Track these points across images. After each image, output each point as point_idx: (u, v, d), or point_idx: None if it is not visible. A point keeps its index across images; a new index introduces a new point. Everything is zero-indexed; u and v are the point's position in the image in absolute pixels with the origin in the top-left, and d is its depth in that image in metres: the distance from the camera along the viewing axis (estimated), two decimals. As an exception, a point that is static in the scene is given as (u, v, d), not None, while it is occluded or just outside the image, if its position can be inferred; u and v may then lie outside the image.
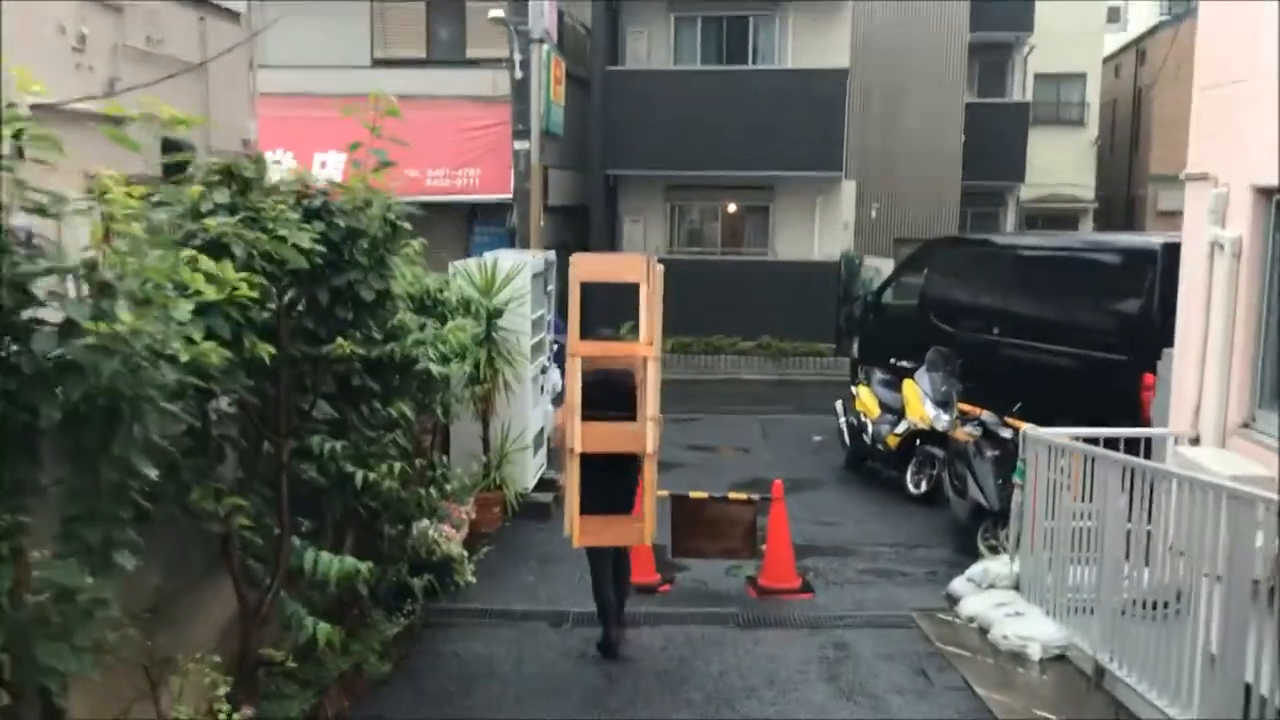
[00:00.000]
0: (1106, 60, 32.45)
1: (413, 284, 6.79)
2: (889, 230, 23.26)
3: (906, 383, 11.05)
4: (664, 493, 8.32)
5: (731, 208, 21.14)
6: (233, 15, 15.22)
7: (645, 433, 6.30)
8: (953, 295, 12.67)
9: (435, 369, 6.13)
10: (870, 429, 11.42)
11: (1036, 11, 25.67)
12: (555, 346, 18.22)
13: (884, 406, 11.47)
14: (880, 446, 11.22)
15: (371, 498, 5.88)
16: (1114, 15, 33.87)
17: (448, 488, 6.98)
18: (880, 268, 20.40)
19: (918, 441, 10.74)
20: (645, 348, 6.42)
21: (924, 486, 10.67)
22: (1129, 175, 32.83)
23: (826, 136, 19.36)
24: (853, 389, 12.23)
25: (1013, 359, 11.27)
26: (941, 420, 10.57)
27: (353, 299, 5.01)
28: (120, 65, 11.64)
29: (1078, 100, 30.82)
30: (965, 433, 9.47)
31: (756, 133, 19.37)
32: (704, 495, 8.27)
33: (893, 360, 12.10)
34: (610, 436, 6.34)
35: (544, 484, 10.65)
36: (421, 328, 5.98)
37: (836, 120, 19.42)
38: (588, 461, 6.30)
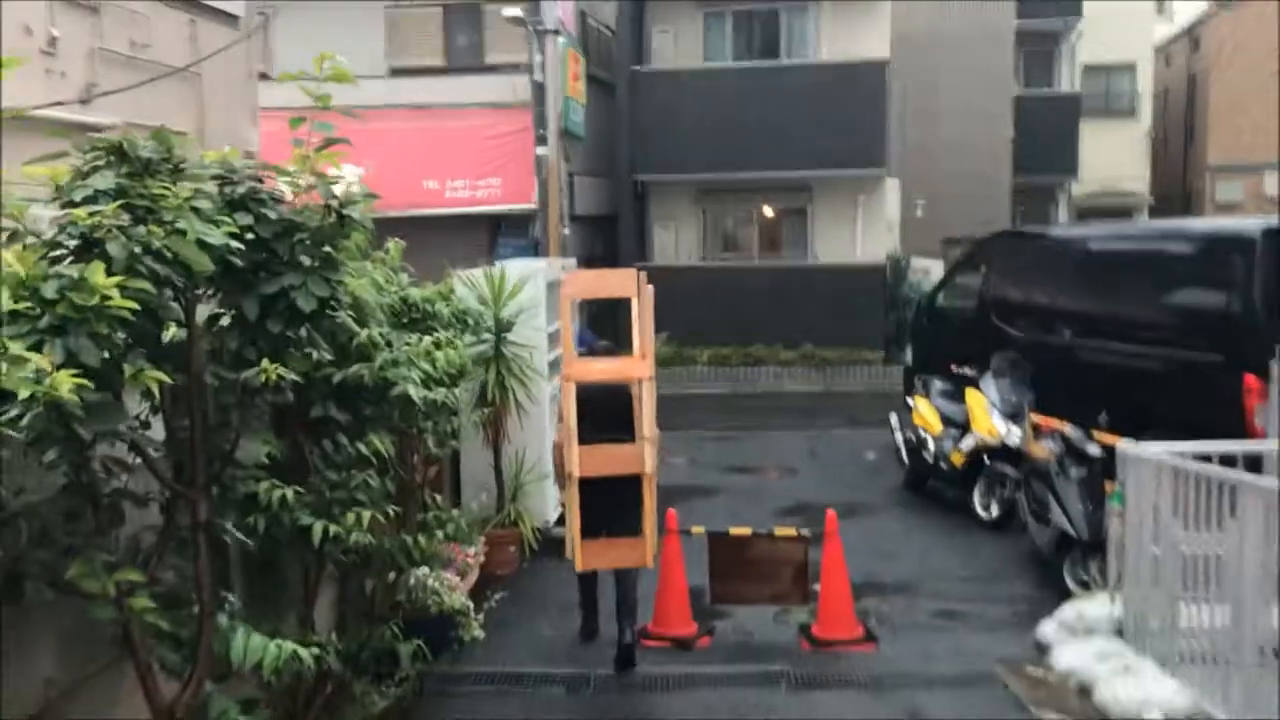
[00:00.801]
0: (1157, 49, 31.06)
1: (391, 291, 5.75)
2: (936, 230, 21.99)
3: (970, 393, 9.86)
4: (700, 530, 7.23)
5: (768, 211, 20.03)
6: (229, 18, 14.20)
7: (644, 454, 6.12)
8: (1016, 294, 11.45)
9: (416, 393, 5.07)
10: (931, 445, 10.24)
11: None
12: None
13: (946, 420, 10.28)
14: (943, 465, 10.04)
15: (343, 552, 4.83)
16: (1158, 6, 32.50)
17: (443, 532, 5.90)
18: (929, 269, 19.19)
19: (986, 459, 9.55)
20: (639, 367, 6.23)
21: (995, 510, 9.47)
22: (1184, 167, 31.40)
23: (867, 132, 18.22)
24: (909, 401, 11.05)
25: (1088, 363, 10.05)
26: (1013, 435, 9.38)
27: (289, 310, 3.95)
28: (99, 70, 10.75)
29: (1128, 90, 29.49)
30: (1044, 449, 8.27)
31: (792, 131, 18.28)
32: (746, 532, 7.14)
33: (953, 368, 10.91)
34: (608, 459, 6.17)
35: (564, 517, 9.56)
36: (389, 344, 4.91)
37: (878, 114, 18.26)
38: (591, 484, 6.14)
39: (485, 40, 18.65)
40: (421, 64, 18.88)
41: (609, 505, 6.23)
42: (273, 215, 3.93)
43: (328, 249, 4.13)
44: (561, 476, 6.51)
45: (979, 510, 9.60)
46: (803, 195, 19.40)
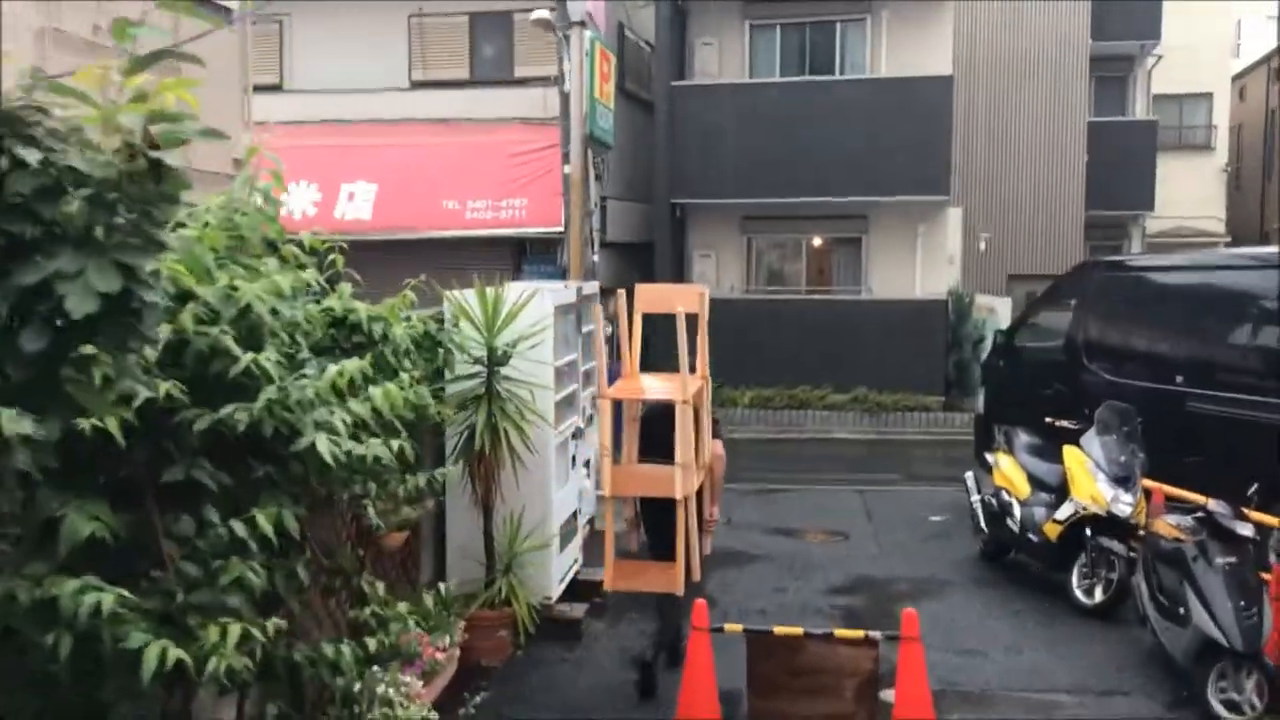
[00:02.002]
0: (1233, 80, 29.22)
1: (306, 305, 4.19)
2: (1000, 265, 20.27)
3: (1069, 451, 8.14)
4: (736, 628, 5.56)
5: (818, 240, 18.38)
6: (218, 8, 12.76)
7: (675, 477, 5.93)
8: (1115, 333, 9.75)
9: (327, 447, 3.51)
10: (1017, 512, 8.51)
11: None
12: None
13: (1035, 482, 8.57)
14: (1032, 537, 8.31)
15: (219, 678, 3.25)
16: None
17: (381, 639, 4.28)
18: (995, 307, 17.44)
19: (1088, 532, 7.81)
20: (677, 389, 6.07)
21: (1099, 595, 7.71)
22: (1261, 207, 29.42)
23: (929, 155, 16.55)
24: (988, 458, 9.33)
25: (1208, 418, 8.36)
26: (1122, 503, 7.66)
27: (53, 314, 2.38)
28: (50, 53, 9.37)
29: (1203, 123, 27.64)
30: (1174, 527, 6.54)
31: (847, 153, 16.69)
32: (797, 632, 5.45)
33: (1046, 420, 9.20)
34: (643, 481, 6.24)
35: (578, 589, 7.94)
36: (301, 374, 3.36)
37: (940, 136, 16.60)
38: (648, 506, 6.47)
39: (514, 52, 17.26)
40: (446, 76, 17.54)
41: (653, 526, 6.48)
42: (31, 159, 2.37)
43: (133, 215, 2.55)
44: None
45: (1078, 594, 7.85)
46: (857, 224, 17.74)
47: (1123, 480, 7.74)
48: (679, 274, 18.15)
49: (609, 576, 6.23)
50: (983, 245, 20.00)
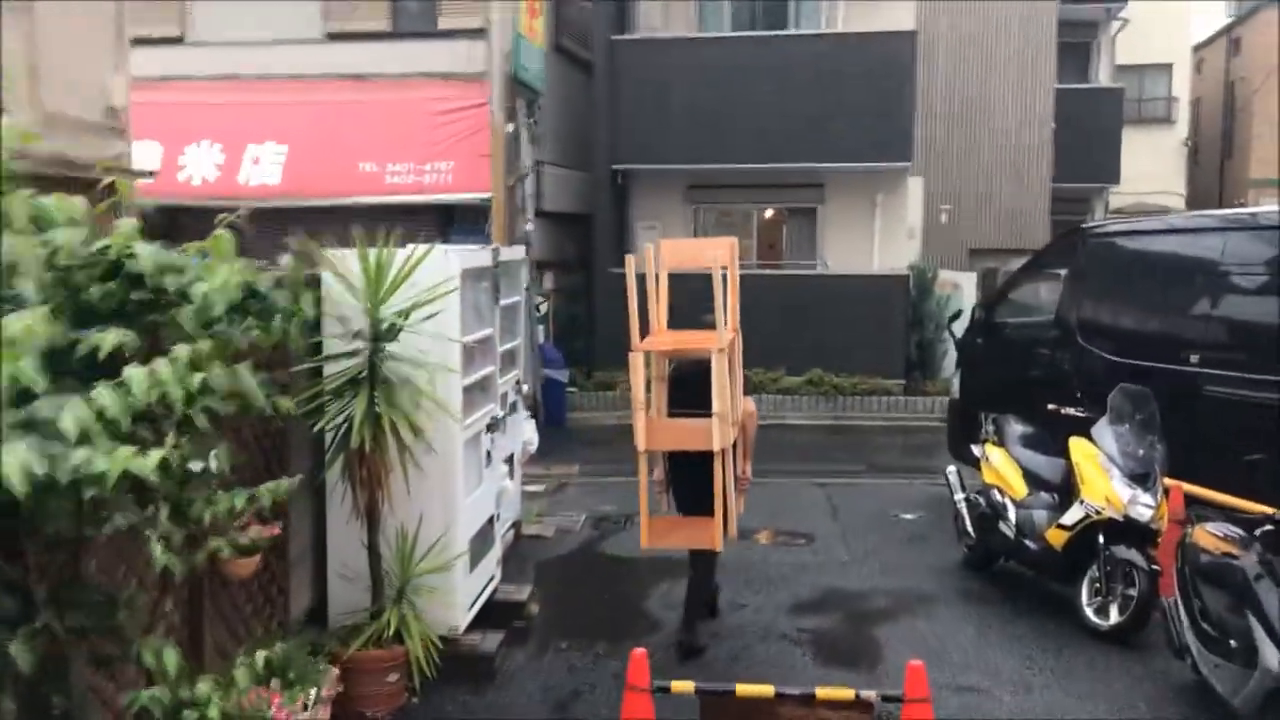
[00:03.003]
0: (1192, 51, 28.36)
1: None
2: (962, 239, 19.12)
3: (1076, 444, 6.90)
4: (684, 686, 4.20)
5: (769, 211, 17.09)
6: (83, -71, 10.94)
7: (711, 429, 5.63)
8: (1115, 306, 8.54)
9: (21, 466, 2.11)
10: (1012, 515, 7.27)
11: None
12: (542, 382, 14.22)
13: (1033, 479, 7.33)
14: (1031, 544, 7.07)
15: None
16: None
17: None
18: (960, 283, 16.27)
19: (1101, 540, 6.58)
20: (713, 338, 5.85)
21: (1115, 615, 6.48)
22: (1220, 182, 28.64)
23: (890, 118, 15.33)
24: (975, 450, 8.07)
25: (1229, 403, 7.17)
26: (1141, 506, 6.44)
27: None
28: None
29: (1163, 95, 26.73)
30: (1221, 539, 5.31)
31: (801, 115, 15.40)
32: (766, 692, 4.10)
33: (1033, 404, 7.98)
34: (678, 434, 5.95)
35: (495, 613, 6.56)
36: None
37: (903, 97, 15.38)
38: (677, 460, 6.27)
39: (438, 4, 15.75)
40: (364, 28, 15.93)
41: (689, 484, 6.21)
42: None
43: None
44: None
45: (1089, 613, 6.62)
46: (811, 193, 16.47)
47: (1141, 478, 6.52)
48: (620, 247, 16.74)
49: (645, 535, 5.97)
50: (944, 218, 18.84)
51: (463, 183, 14.26)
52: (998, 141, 19.42)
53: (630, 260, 6.18)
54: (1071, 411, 7.26)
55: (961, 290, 16.09)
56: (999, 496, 7.42)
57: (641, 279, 6.26)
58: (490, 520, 6.77)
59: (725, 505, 5.89)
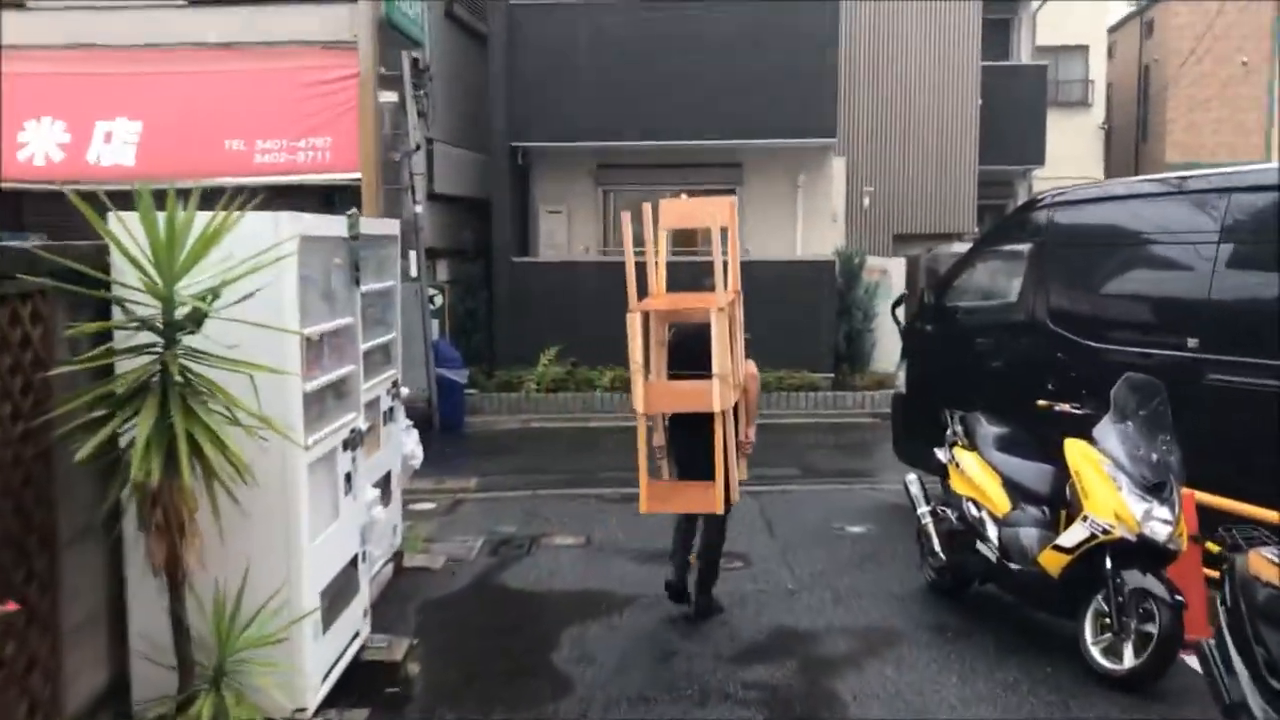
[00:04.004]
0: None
1: None
2: (886, 224, 18.07)
3: (1074, 447, 5.70)
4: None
5: (685, 193, 15.77)
6: None
7: (713, 390, 5.54)
8: (1092, 285, 7.41)
9: None
10: (993, 533, 6.05)
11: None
12: (432, 386, 12.65)
13: (1016, 489, 6.12)
14: (1017, 567, 5.86)
15: None
16: None
17: None
18: (888, 269, 15.17)
19: (1109, 564, 5.38)
20: (713, 298, 5.71)
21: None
22: (1136, 167, 28.18)
23: (813, 90, 14.16)
24: (940, 455, 6.83)
25: (1239, 394, 6.10)
26: (1157, 522, 5.26)
27: None
28: None
29: (1079, 77, 26.12)
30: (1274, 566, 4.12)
31: (719, 89, 14.16)
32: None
33: (1002, 401, 6.79)
34: (677, 397, 5.83)
35: (361, 677, 5.13)
36: None
37: (826, 68, 14.22)
38: (675, 424, 6.14)
39: (317, -39, 14.17)
40: (232, -10, 14.30)
41: (688, 448, 6.11)
42: None
43: None
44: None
45: (1094, 653, 5.41)
46: (730, 173, 15.22)
47: (1155, 488, 5.34)
48: (523, 233, 15.36)
49: (644, 500, 5.82)
50: (866, 201, 17.76)
51: (342, 160, 12.66)
52: (922, 121, 18.39)
53: (662, 216, 6.08)
54: (1068, 408, 6.05)
55: (890, 277, 15.02)
56: (975, 510, 6.20)
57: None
58: (353, 561, 5.34)
59: (726, 468, 5.76)
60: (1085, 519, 5.41)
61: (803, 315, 14.23)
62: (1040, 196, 8.31)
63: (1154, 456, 5.40)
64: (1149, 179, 7.75)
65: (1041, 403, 6.17)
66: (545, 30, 14.42)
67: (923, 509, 6.72)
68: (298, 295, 4.46)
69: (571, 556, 7.66)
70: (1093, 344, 7.15)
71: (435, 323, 13.11)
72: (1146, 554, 5.31)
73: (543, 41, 14.38)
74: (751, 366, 6.52)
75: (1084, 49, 25.77)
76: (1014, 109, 19.45)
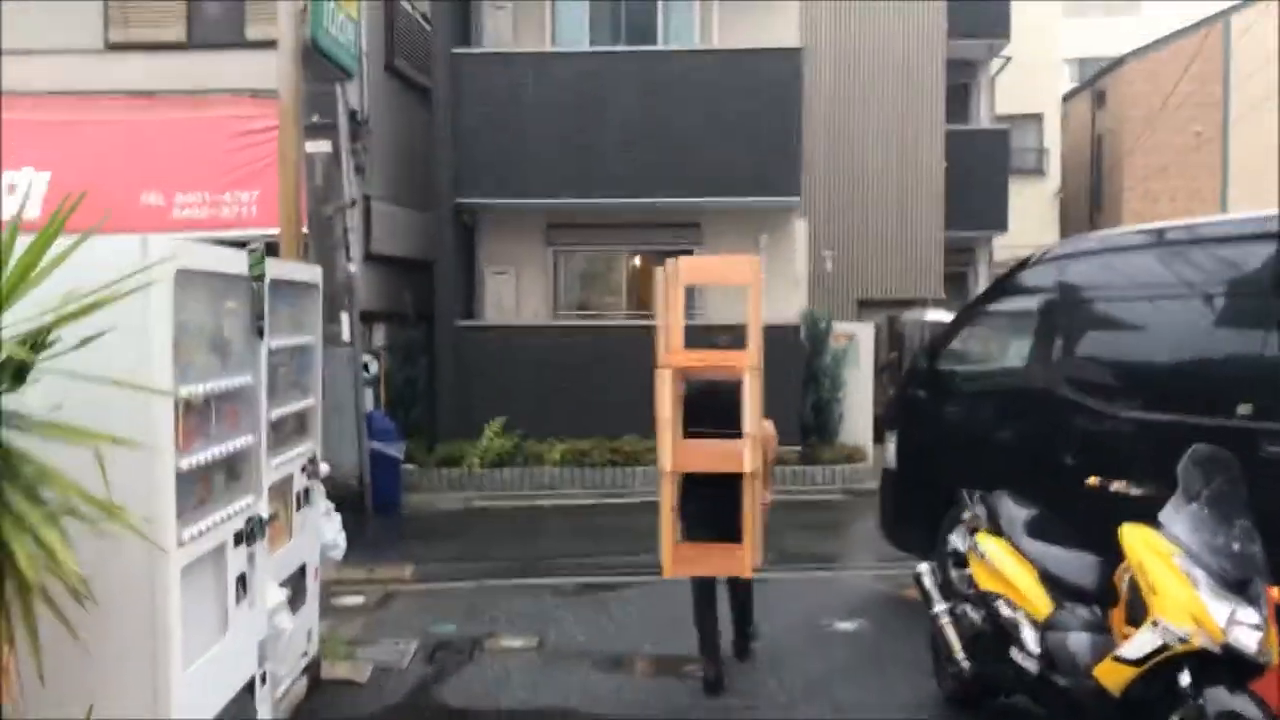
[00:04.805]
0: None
1: None
2: (849, 289, 17.28)
3: (1135, 535, 4.72)
4: None
5: (640, 256, 14.91)
6: None
7: (743, 451, 5.55)
8: (1120, 346, 6.54)
9: None
10: (1031, 637, 5.04)
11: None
12: (365, 462, 11.44)
13: (1057, 586, 5.12)
14: (1064, 682, 4.84)
15: None
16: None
17: None
18: (856, 334, 14.33)
19: (1185, 680, 4.39)
20: (743, 357, 5.76)
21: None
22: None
23: (776, 147, 13.39)
24: (956, 542, 5.84)
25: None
26: (1244, 628, 4.28)
27: None
28: None
29: (1034, 146, 25.88)
30: None
31: (676, 142, 13.36)
32: None
33: (1092, 481, 5.82)
34: (708, 456, 5.78)
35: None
36: None
37: (790, 123, 13.47)
38: (692, 484, 5.95)
39: (245, 7, 13.31)
40: (155, 37, 13.43)
41: (713, 508, 5.94)
42: None
43: None
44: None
45: (1168, 791, 4.40)
46: (688, 233, 14.34)
47: (1239, 586, 4.38)
48: (468, 296, 14.33)
49: (668, 564, 5.83)
50: (829, 265, 16.97)
51: (270, 216, 11.52)
52: (886, 183, 17.73)
53: (681, 273, 5.99)
54: (1124, 487, 5.08)
55: (858, 342, 14.18)
56: (1007, 610, 5.20)
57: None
58: (249, 686, 4.20)
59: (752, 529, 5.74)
60: (1156, 624, 4.41)
61: (767, 384, 13.16)
62: (1049, 248, 7.46)
63: (1235, 546, 4.45)
64: (1187, 223, 6.92)
65: (1092, 480, 5.21)
66: (492, 82, 13.54)
67: (939, 607, 5.70)
68: (171, 342, 3.40)
69: (522, 663, 6.53)
70: (1122, 413, 6.24)
71: (369, 392, 11.98)
72: (1231, 667, 4.33)
73: (489, 94, 13.49)
74: (769, 426, 6.38)
75: (1038, 117, 25.56)
76: (975, 173, 18.91)
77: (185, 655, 3.53)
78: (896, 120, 17.84)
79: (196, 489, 3.71)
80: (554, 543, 10.39)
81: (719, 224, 14.22)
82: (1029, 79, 24.45)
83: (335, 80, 10.01)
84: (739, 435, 5.73)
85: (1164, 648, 4.39)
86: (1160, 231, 6.58)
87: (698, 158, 13.34)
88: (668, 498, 5.77)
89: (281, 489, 4.98)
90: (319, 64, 8.21)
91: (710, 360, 6.08)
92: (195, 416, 3.72)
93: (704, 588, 6.19)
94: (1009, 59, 20.87)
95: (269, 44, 11.94)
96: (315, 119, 11.10)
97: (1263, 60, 24.14)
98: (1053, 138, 25.69)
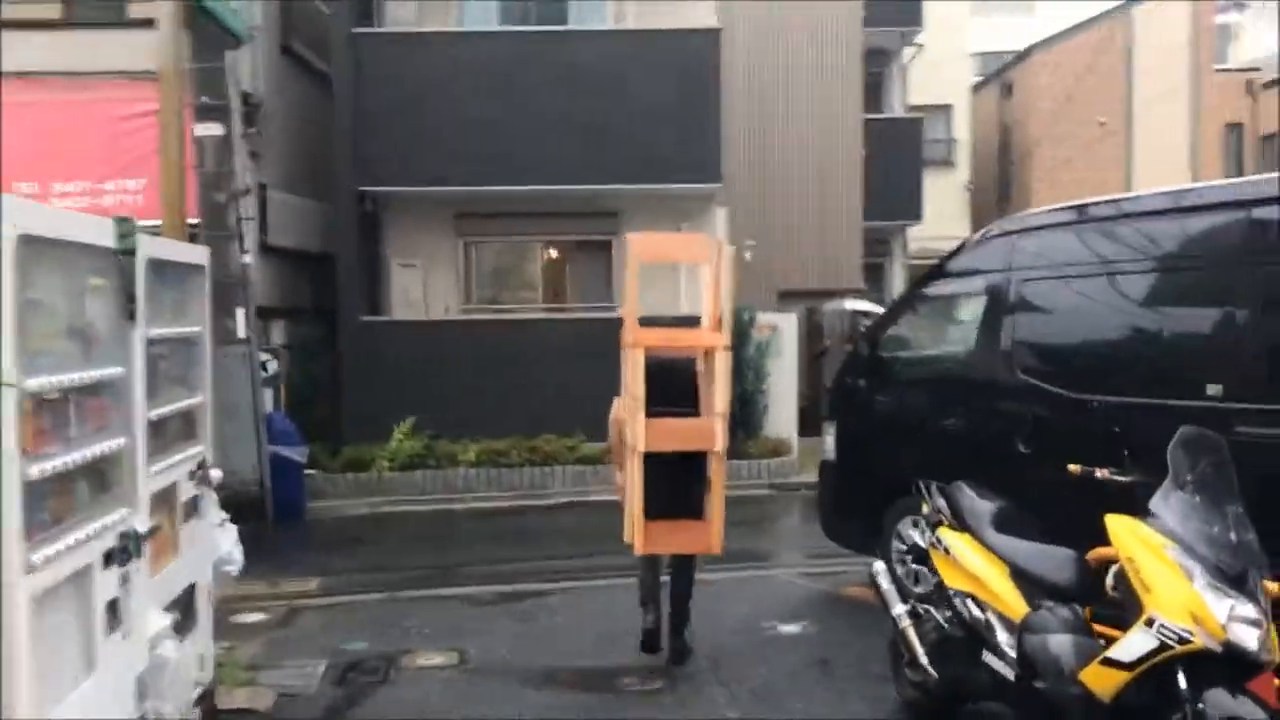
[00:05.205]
0: (964, 94, 27.78)
1: None
2: (769, 280, 16.88)
3: (1123, 527, 4.32)
4: None
5: (555, 246, 14.35)
6: None
7: (715, 429, 5.60)
8: (1078, 326, 6.20)
9: None
10: (1006, 640, 4.64)
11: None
12: (265, 467, 10.67)
13: (1032, 583, 4.72)
14: (1048, 687, 4.44)
15: None
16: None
17: None
18: (779, 325, 13.96)
19: (1182, 682, 4.00)
20: (711, 336, 5.78)
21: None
22: (999, 226, 28.01)
23: (695, 131, 12.96)
24: (914, 536, 5.44)
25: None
26: (1242, 623, 3.92)
27: None
28: None
29: (944, 137, 25.88)
30: None
31: (591, 127, 12.85)
32: None
33: (979, 465, 5.47)
34: (677, 435, 5.65)
35: None
36: None
37: (708, 106, 13.04)
38: (652, 461, 5.66)
39: (129, -19, 12.43)
40: (28, 15, 12.44)
41: (672, 486, 5.82)
42: None
43: None
44: (620, 454, 5.99)
45: (1163, 805, 4.02)
46: (604, 222, 13.83)
47: (1237, 579, 4.01)
48: (373, 289, 13.62)
49: (639, 541, 5.71)
50: (748, 255, 16.57)
51: (158, 206, 10.87)
52: (804, 172, 17.42)
53: (633, 249, 5.88)
54: (1108, 474, 4.68)
55: (781, 333, 13.81)
56: (978, 611, 4.79)
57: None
58: (124, 732, 3.57)
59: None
60: (1151, 623, 4.02)
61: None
62: (998, 226, 7.09)
63: (1230, 536, 4.08)
64: (1140, 195, 6.60)
65: (1073, 468, 4.82)
66: (396, 64, 12.86)
67: (899, 608, 5.26)
68: (14, 324, 2.77)
69: (444, 682, 5.95)
70: (1078, 395, 5.89)
71: (269, 392, 11.23)
72: (1228, 666, 3.96)
73: (393, 77, 12.81)
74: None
75: (947, 109, 25.57)
76: (890, 163, 18.74)
77: (39, 701, 2.90)
78: (814, 107, 17.55)
79: (51, 502, 3.08)
80: (471, 549, 9.80)
81: (638, 213, 13.71)
82: (938, 72, 24.45)
83: (224, 48, 9.23)
84: (694, 412, 5.76)
85: (1161, 648, 4.00)
86: (1120, 203, 6.24)
87: (615, 143, 12.85)
88: (635, 477, 5.66)
89: (165, 499, 4.34)
90: (207, 33, 7.49)
91: (675, 339, 6.04)
92: (49, 414, 3.09)
93: (650, 579, 6.25)
94: (921, 46, 20.72)
95: (154, 23, 11.22)
96: (205, 100, 10.37)
97: (1165, 53, 24.53)
98: (962, 129, 25.73)
